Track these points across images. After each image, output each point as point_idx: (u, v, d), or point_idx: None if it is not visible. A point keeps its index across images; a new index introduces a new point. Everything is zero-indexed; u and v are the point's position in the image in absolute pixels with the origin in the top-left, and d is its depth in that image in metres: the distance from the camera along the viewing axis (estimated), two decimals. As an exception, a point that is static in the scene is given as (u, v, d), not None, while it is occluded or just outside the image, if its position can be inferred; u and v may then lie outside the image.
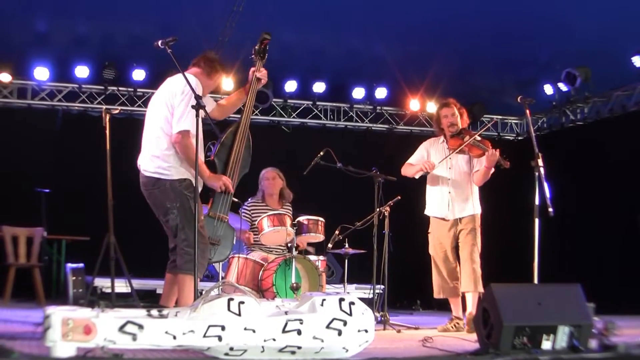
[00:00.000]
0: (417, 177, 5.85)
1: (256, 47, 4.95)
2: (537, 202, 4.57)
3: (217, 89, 9.21)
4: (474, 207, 5.71)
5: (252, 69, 4.95)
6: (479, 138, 5.71)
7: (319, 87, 9.72)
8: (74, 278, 6.81)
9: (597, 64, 8.36)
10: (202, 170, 4.40)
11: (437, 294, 5.77)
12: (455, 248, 5.73)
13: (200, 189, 4.39)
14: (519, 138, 10.80)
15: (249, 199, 6.52)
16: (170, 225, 4.41)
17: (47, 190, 8.12)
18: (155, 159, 4.40)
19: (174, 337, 2.93)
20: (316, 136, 9.92)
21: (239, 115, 5.05)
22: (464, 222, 5.69)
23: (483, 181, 5.70)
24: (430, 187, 5.89)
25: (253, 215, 6.40)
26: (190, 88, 4.15)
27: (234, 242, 5.08)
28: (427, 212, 5.90)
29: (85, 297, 6.22)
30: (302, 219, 6.18)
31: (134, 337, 2.87)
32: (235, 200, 4.86)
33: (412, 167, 5.85)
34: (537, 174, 4.63)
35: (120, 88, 9.38)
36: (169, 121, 4.36)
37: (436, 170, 5.77)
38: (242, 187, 5.22)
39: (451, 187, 5.74)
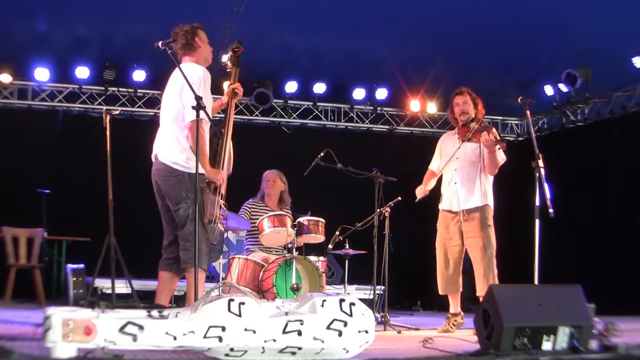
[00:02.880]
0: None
1: (230, 56, 4.93)
2: (537, 203, 4.55)
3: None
4: (481, 198, 5.49)
5: (229, 83, 4.95)
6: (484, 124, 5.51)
7: (320, 87, 9.71)
8: (75, 279, 6.80)
9: (598, 64, 8.36)
10: (205, 163, 4.41)
11: (441, 290, 5.63)
12: (462, 246, 5.54)
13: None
14: (520, 139, 10.80)
15: (250, 199, 6.55)
16: (180, 215, 4.41)
17: (48, 191, 8.12)
18: (176, 151, 4.40)
19: (175, 338, 2.93)
20: (316, 137, 9.93)
21: (222, 115, 5.07)
22: (470, 215, 5.49)
23: (493, 168, 5.48)
24: (442, 180, 5.73)
25: (252, 214, 6.42)
26: (191, 89, 4.11)
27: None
28: (439, 205, 5.74)
29: (86, 297, 6.23)
30: (303, 219, 6.19)
31: (135, 337, 2.87)
32: (222, 202, 4.87)
33: (425, 180, 5.74)
34: (537, 174, 4.60)
35: (120, 89, 9.38)
36: (183, 113, 4.36)
37: (445, 162, 5.66)
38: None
39: (457, 177, 5.57)
